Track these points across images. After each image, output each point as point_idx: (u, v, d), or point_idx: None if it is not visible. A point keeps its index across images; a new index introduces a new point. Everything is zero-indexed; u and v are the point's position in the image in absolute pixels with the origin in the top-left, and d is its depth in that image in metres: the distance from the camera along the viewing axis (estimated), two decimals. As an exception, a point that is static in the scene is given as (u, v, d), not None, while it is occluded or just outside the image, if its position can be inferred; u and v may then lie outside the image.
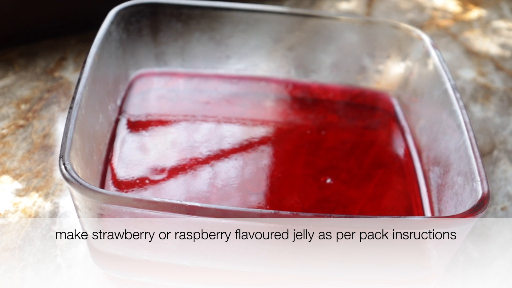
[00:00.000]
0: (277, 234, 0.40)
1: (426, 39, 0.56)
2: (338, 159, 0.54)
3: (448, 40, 0.75)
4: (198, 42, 0.59)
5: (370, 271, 0.43)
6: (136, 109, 0.56)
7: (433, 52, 0.54)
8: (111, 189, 0.48)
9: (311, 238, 0.40)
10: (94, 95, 0.48)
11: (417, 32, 0.57)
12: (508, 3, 0.83)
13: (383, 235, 0.40)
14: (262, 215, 0.39)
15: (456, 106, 0.48)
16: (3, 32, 0.65)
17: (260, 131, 0.56)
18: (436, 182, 0.50)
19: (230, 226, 0.40)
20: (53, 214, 0.49)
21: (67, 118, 0.43)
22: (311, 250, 0.41)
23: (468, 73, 0.70)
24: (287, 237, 0.41)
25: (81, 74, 0.47)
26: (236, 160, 0.52)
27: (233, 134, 0.55)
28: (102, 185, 0.48)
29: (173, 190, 0.49)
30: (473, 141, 0.45)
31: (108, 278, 0.45)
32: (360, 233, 0.40)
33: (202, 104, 0.58)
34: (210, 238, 0.41)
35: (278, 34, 0.60)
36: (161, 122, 0.55)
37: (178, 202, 0.38)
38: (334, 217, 0.40)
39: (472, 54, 0.73)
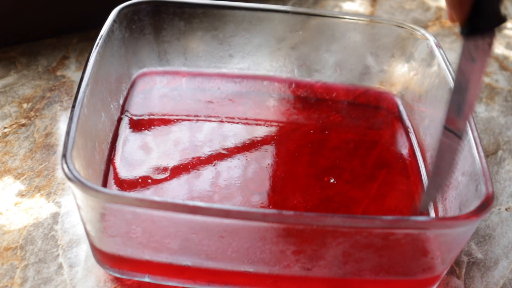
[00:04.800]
0: (280, 234, 0.40)
1: (431, 39, 0.55)
2: (342, 159, 0.53)
3: (452, 40, 0.75)
4: (201, 41, 0.59)
5: (373, 272, 0.43)
6: (138, 108, 0.56)
7: (437, 52, 0.54)
8: (113, 189, 0.48)
9: (313, 239, 0.40)
10: (96, 94, 0.48)
11: (422, 31, 0.56)
12: (513, 3, 0.83)
13: (386, 236, 0.40)
14: (265, 216, 0.38)
15: (460, 106, 0.48)
16: (4, 31, 0.64)
17: (263, 131, 0.56)
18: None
19: (233, 226, 0.40)
20: (55, 213, 0.49)
21: (70, 117, 0.42)
22: (313, 251, 0.41)
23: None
24: (290, 237, 0.40)
25: (83, 73, 0.46)
26: (239, 160, 0.52)
27: (236, 134, 0.55)
28: (105, 185, 0.48)
29: (176, 190, 0.49)
30: (478, 141, 0.45)
31: (109, 278, 0.45)
32: (363, 234, 0.39)
33: (204, 103, 0.58)
34: (212, 238, 0.40)
35: (281, 33, 0.60)
36: (164, 121, 0.55)
37: (181, 202, 0.38)
38: (337, 217, 0.40)
39: (476, 53, 0.73)
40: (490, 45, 0.41)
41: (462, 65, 0.41)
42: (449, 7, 0.41)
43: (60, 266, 0.46)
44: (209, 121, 0.56)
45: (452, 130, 0.42)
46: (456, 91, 0.42)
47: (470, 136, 0.45)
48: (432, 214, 0.49)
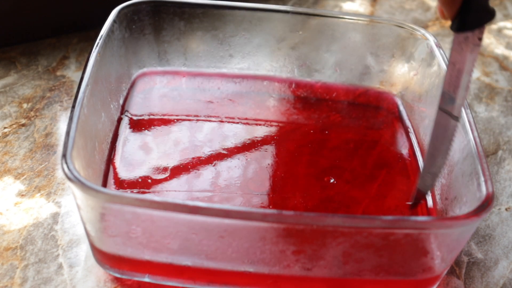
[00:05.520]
0: (280, 234, 0.40)
1: (431, 39, 0.55)
2: (342, 159, 0.53)
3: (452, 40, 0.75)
4: (201, 41, 0.59)
5: (373, 272, 0.43)
6: (138, 108, 0.56)
7: (437, 52, 0.54)
8: (113, 189, 0.48)
9: (313, 239, 0.40)
10: (96, 94, 0.48)
11: (422, 31, 0.56)
12: (513, 3, 0.83)
13: (386, 236, 0.40)
14: (265, 216, 0.38)
15: (460, 106, 0.48)
16: (4, 31, 0.64)
17: (263, 131, 0.56)
18: (440, 182, 0.49)
19: (233, 226, 0.40)
20: (55, 213, 0.49)
21: (69, 117, 0.42)
22: (313, 251, 0.41)
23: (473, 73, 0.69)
24: (290, 238, 0.40)
25: (83, 73, 0.46)
26: (239, 160, 0.52)
27: (236, 134, 0.55)
28: (104, 185, 0.48)
29: (176, 190, 0.49)
30: (478, 141, 0.45)
31: (109, 278, 0.45)
32: (363, 234, 0.39)
33: (204, 103, 0.58)
34: (212, 238, 0.40)
35: (281, 33, 0.60)
36: (164, 121, 0.55)
37: (181, 202, 0.38)
38: (337, 217, 0.39)
39: (476, 53, 0.73)
40: (480, 38, 0.42)
41: (453, 58, 0.42)
42: (440, 2, 0.41)
43: (60, 266, 0.46)
44: (209, 121, 0.56)
45: (449, 112, 0.43)
46: (448, 82, 0.42)
47: (470, 136, 0.45)
48: (432, 214, 0.49)
